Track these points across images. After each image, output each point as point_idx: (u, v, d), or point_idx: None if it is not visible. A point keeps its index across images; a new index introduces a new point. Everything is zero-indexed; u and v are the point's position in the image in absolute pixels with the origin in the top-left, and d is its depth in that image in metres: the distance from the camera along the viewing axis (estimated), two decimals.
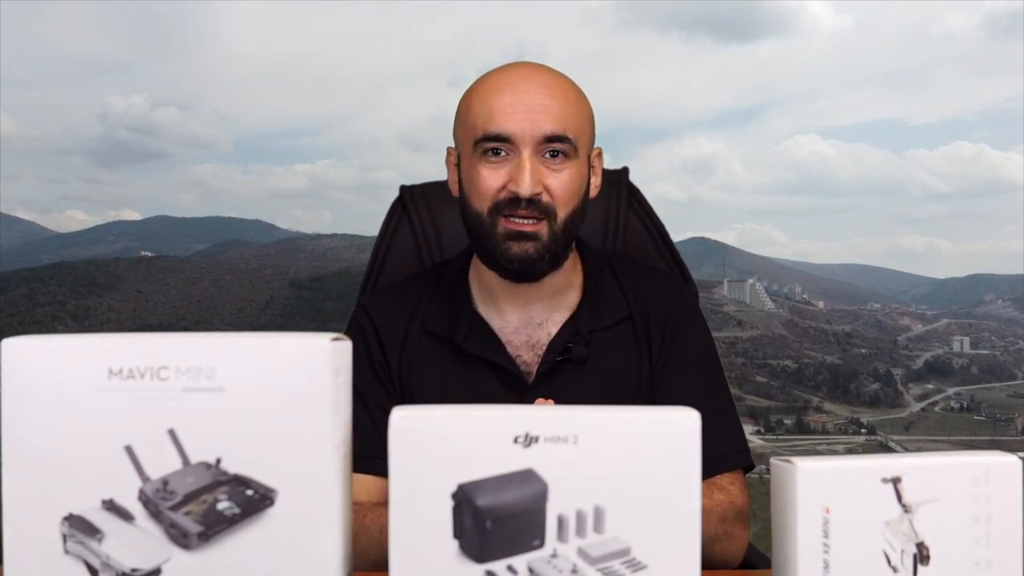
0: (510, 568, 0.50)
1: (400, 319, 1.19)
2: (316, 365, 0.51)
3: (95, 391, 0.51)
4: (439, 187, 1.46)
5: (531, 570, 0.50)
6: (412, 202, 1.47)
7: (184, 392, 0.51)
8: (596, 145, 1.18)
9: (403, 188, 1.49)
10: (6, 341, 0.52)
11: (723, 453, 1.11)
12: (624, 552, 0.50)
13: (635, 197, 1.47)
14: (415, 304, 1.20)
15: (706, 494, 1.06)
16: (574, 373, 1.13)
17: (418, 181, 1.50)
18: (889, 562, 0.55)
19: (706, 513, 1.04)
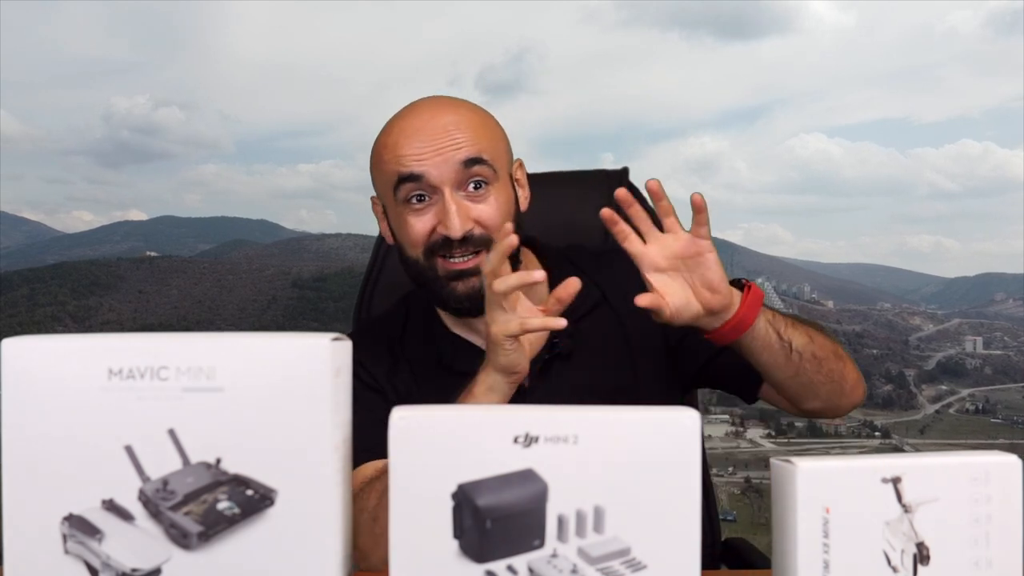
0: (510, 568, 0.50)
1: (382, 354, 1.18)
2: (316, 365, 0.51)
3: (95, 391, 0.51)
4: None
5: (531, 570, 0.50)
6: None
7: (184, 392, 0.51)
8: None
9: None
10: (6, 341, 0.52)
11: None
12: (624, 552, 0.50)
13: (635, 197, 1.46)
14: (391, 337, 1.20)
15: (813, 325, 1.07)
16: (564, 366, 1.13)
17: None
18: (889, 562, 0.55)
19: (820, 333, 1.06)
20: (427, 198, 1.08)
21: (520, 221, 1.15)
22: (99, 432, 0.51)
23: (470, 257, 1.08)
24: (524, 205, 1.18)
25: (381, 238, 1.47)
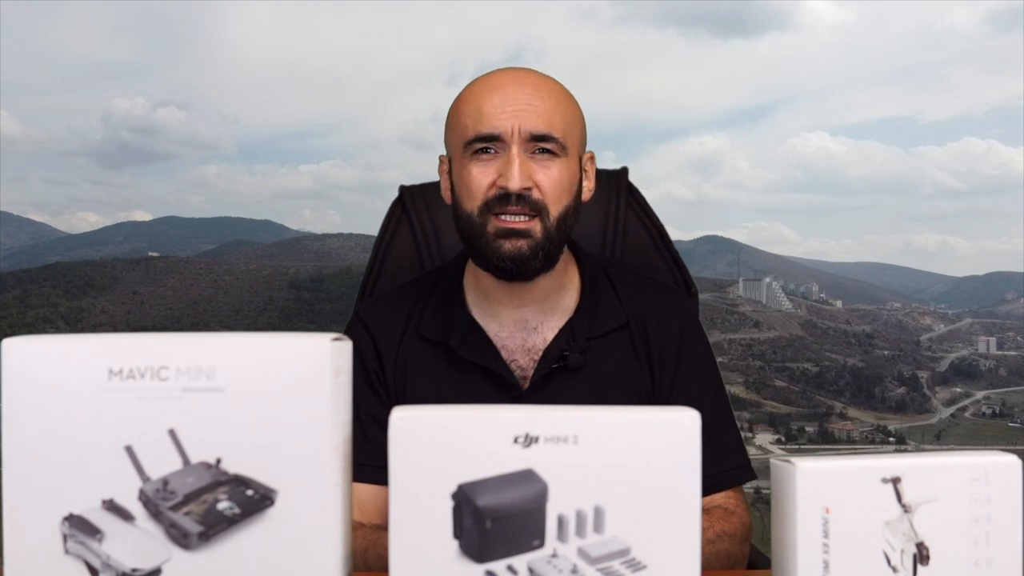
0: (510, 568, 0.50)
1: (396, 325, 1.20)
2: (316, 365, 0.51)
3: (95, 391, 0.51)
4: (438, 187, 1.46)
5: (531, 570, 0.50)
6: (411, 202, 1.47)
7: (184, 392, 0.51)
8: (590, 149, 1.18)
9: (402, 188, 1.49)
10: (6, 341, 0.52)
11: (726, 469, 1.13)
12: (624, 552, 0.50)
13: (634, 197, 1.47)
14: (411, 309, 1.21)
15: (724, 519, 1.08)
16: (569, 380, 1.13)
17: (423, 180, 1.50)
18: (889, 562, 0.55)
19: (730, 537, 1.07)
20: (493, 151, 1.09)
21: (579, 208, 1.15)
22: (99, 432, 0.51)
23: (524, 219, 1.08)
24: (587, 196, 1.18)
25: (380, 238, 1.47)
